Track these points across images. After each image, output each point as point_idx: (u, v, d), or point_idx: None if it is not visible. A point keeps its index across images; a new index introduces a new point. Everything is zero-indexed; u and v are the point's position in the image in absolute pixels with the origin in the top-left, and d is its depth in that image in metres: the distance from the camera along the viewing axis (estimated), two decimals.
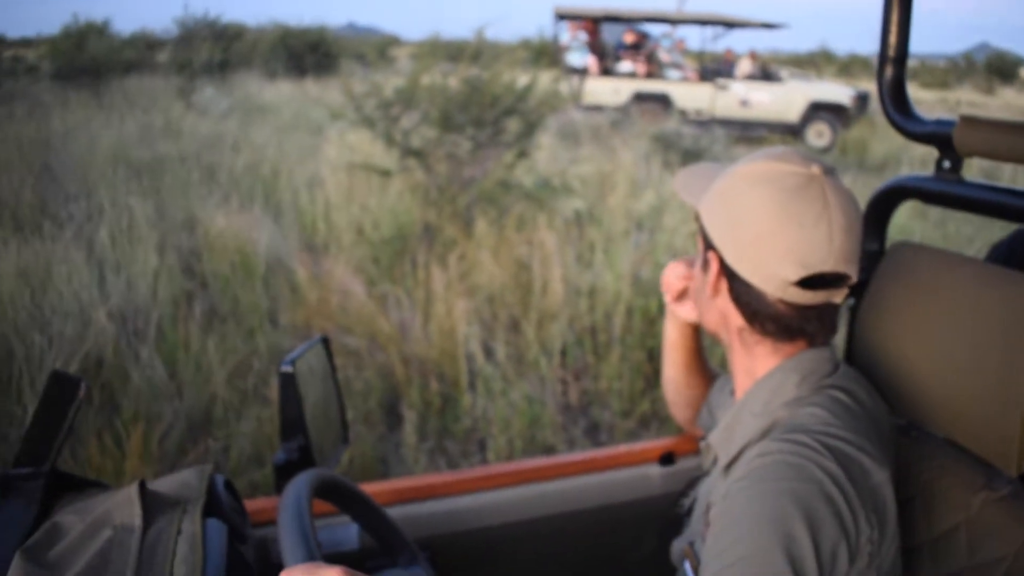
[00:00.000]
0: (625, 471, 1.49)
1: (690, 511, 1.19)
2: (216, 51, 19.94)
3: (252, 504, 1.35)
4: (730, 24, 14.16)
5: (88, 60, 16.68)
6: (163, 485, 1.05)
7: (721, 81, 13.40)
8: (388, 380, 4.02)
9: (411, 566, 1.19)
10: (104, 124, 10.86)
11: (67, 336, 4.14)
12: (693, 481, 1.21)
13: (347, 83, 6.54)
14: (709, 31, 14.39)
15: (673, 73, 13.89)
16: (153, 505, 0.98)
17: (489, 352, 4.09)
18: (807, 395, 1.01)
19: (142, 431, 3.28)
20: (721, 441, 1.08)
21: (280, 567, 1.21)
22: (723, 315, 1.08)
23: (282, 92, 15.43)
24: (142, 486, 0.99)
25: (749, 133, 12.98)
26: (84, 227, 6.05)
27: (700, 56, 14.85)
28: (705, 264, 1.08)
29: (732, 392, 1.27)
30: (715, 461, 1.11)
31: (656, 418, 3.79)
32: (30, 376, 3.77)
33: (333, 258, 5.44)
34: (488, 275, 4.81)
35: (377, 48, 22.55)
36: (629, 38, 14.30)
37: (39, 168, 8.03)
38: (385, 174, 6.18)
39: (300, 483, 0.94)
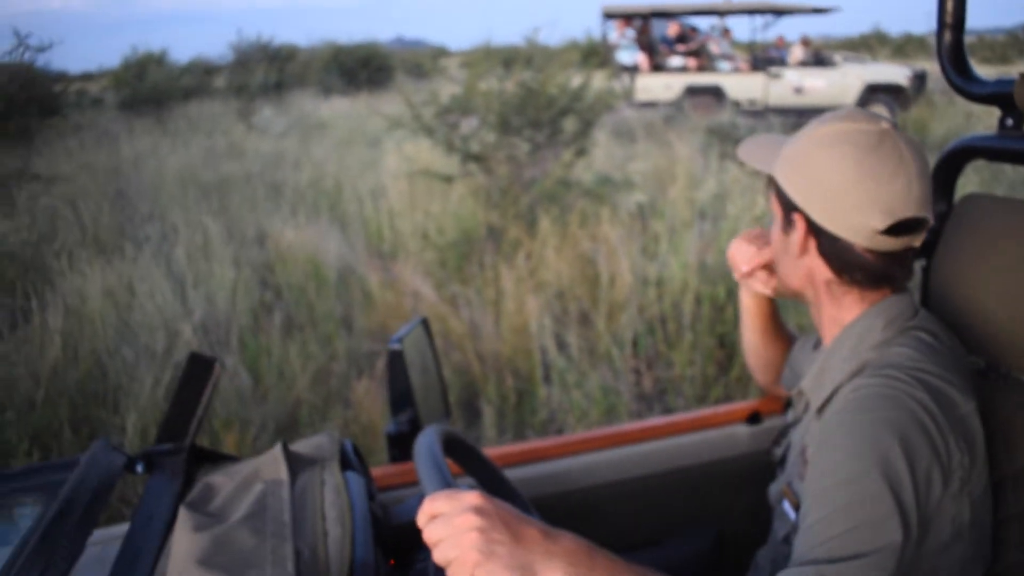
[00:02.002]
0: (715, 431, 1.56)
1: (784, 458, 1.25)
2: (271, 73, 20.38)
3: (372, 471, 1.45)
4: (779, 11, 14.04)
5: (149, 89, 17.18)
6: (300, 447, 1.15)
7: (774, 70, 13.29)
8: (464, 377, 4.12)
9: None
10: (170, 149, 11.21)
11: (155, 350, 4.32)
12: (784, 430, 1.27)
13: (406, 94, 6.69)
14: (759, 20, 14.26)
15: (724, 65, 13.81)
16: (295, 462, 1.08)
17: (561, 345, 4.16)
18: (893, 337, 1.08)
19: (236, 434, 3.43)
20: (813, 387, 1.14)
21: (399, 529, 1.31)
22: (809, 272, 1.14)
23: (337, 108, 15.72)
24: (285, 446, 1.09)
25: (805, 120, 12.82)
26: (161, 246, 6.29)
27: (751, 46, 14.73)
28: (788, 226, 1.14)
29: (816, 347, 1.33)
30: (807, 407, 1.18)
31: (730, 402, 3.82)
32: (125, 388, 3.95)
33: (401, 263, 5.57)
34: (555, 271, 4.89)
35: (428, 59, 22.79)
36: (673, 31, 14.25)
37: (114, 193, 8.34)
38: (447, 180, 6.31)
39: (430, 432, 1.03)
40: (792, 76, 13.16)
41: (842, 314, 1.14)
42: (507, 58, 9.01)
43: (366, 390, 3.89)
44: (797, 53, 13.65)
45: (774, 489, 1.25)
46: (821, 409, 1.10)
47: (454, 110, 6.55)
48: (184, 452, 1.29)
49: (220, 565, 0.84)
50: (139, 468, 1.28)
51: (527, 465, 1.51)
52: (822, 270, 1.12)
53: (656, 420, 1.56)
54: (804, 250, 1.12)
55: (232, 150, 11.26)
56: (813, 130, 1.11)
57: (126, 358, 4.23)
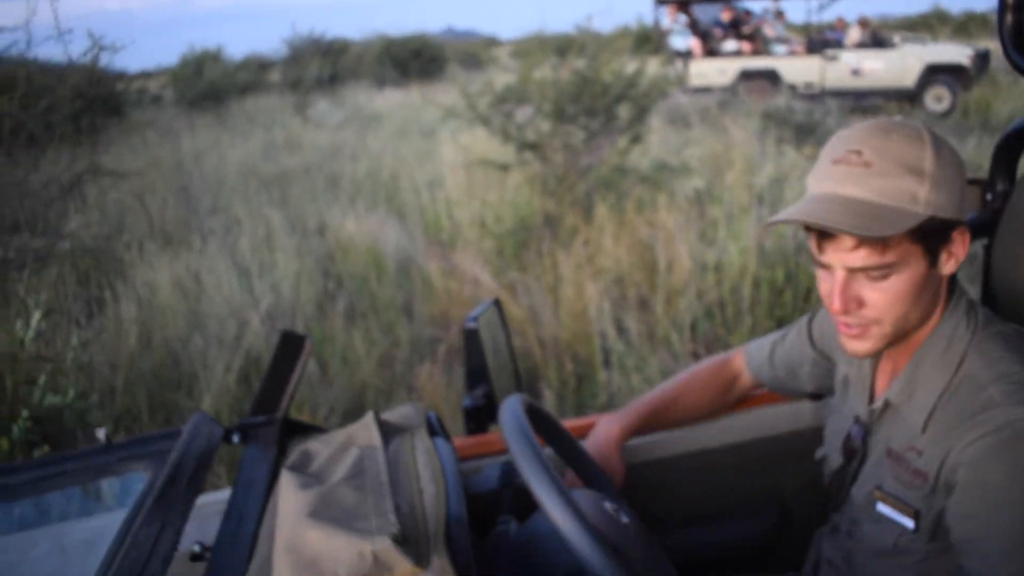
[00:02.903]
0: (779, 406, 1.60)
1: (863, 455, 1.23)
2: (325, 66, 20.65)
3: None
4: None
5: (207, 86, 17.55)
6: (388, 416, 1.23)
7: (830, 52, 13.09)
8: (525, 362, 4.19)
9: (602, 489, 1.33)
10: (230, 143, 11.46)
11: (224, 338, 4.47)
12: (847, 427, 1.27)
13: (460, 83, 6.77)
14: (814, 2, 14.06)
15: (779, 48, 13.65)
16: (386, 430, 1.15)
17: (620, 330, 4.21)
18: (978, 335, 1.10)
19: (307, 416, 3.54)
20: (903, 397, 1.14)
21: (477, 497, 1.38)
22: (938, 289, 1.10)
23: (391, 100, 15.88)
24: (376, 415, 1.17)
25: (863, 103, 12.63)
26: (226, 238, 6.46)
27: (806, 28, 14.52)
28: (936, 254, 1.06)
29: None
30: (885, 406, 1.18)
31: None
32: (197, 374, 4.10)
33: (459, 252, 5.65)
34: (613, 257, 4.93)
35: (480, 49, 22.86)
36: (726, 15, 14.12)
37: (178, 188, 8.57)
38: (503, 168, 6.37)
39: (514, 401, 1.09)
40: (849, 58, 12.95)
41: (931, 319, 1.12)
42: (560, 46, 9.05)
43: (429, 375, 3.98)
44: (854, 34, 13.42)
45: (859, 492, 1.22)
46: (927, 422, 1.09)
47: (509, 99, 6.61)
48: (277, 424, 1.37)
49: (329, 517, 0.91)
50: (235, 438, 1.37)
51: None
52: (946, 277, 1.10)
53: None
54: (958, 261, 1.08)
55: (290, 143, 11.47)
56: (895, 150, 1.01)
57: (197, 346, 4.38)
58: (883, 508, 1.16)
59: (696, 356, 4.07)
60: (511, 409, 1.06)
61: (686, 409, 1.55)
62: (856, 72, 12.88)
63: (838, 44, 13.43)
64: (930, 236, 1.02)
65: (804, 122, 9.39)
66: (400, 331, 4.65)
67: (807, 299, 4.22)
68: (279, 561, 0.88)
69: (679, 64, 13.35)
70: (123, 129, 12.46)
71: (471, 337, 1.50)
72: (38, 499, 1.29)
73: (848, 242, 1.01)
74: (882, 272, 1.02)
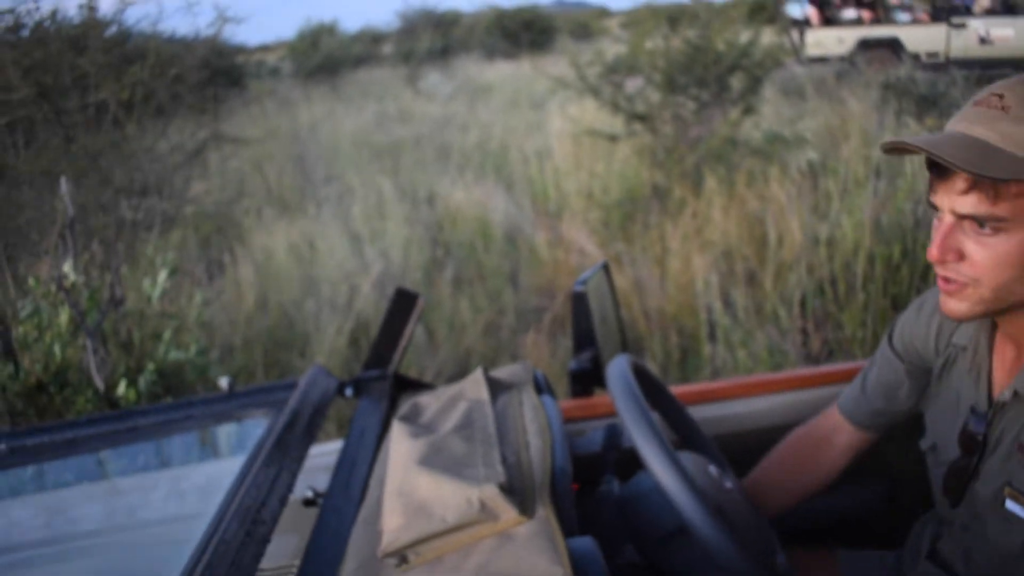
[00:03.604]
0: None
1: (983, 445, 1.15)
2: (436, 38, 20.86)
3: None
4: None
5: (322, 58, 17.99)
6: (497, 373, 1.26)
7: (957, 19, 12.45)
8: (629, 333, 4.17)
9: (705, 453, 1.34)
10: (344, 114, 11.73)
11: (336, 302, 4.61)
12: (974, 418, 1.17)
13: (571, 54, 6.74)
14: None
15: (902, 15, 13.06)
16: (495, 386, 1.18)
17: (727, 304, 4.15)
18: None
19: None
20: None
21: (582, 458, 1.40)
22: None
23: (501, 71, 15.93)
24: (485, 371, 1.20)
25: (991, 72, 11.98)
26: (339, 206, 6.64)
27: None
28: None
29: (924, 310, 1.29)
30: (1013, 397, 1.10)
31: None
32: (310, 336, 4.24)
33: (566, 223, 5.66)
34: (721, 231, 4.85)
35: (591, 20, 22.67)
36: None
37: (294, 156, 8.85)
38: (612, 139, 6.33)
39: (622, 360, 1.10)
40: (977, 25, 12.28)
41: None
42: (671, 15, 8.89)
43: (533, 343, 4.02)
44: (984, 1, 12.73)
45: (985, 489, 1.14)
46: None
47: (619, 70, 6.55)
48: (389, 379, 1.42)
49: (438, 464, 0.95)
50: (348, 392, 1.43)
51: (702, 405, 1.56)
52: None
53: (834, 366, 1.58)
54: None
55: (402, 114, 11.66)
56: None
57: (310, 309, 4.53)
58: (1013, 506, 1.08)
59: (805, 333, 3.98)
60: (619, 368, 1.07)
61: (786, 486, 1.43)
62: (984, 40, 12.22)
63: (966, 10, 12.76)
64: None
65: (927, 94, 8.97)
66: (506, 299, 4.70)
67: (924, 277, 4.07)
68: (389, 504, 0.92)
69: (795, 34, 12.93)
70: (243, 100, 12.89)
71: (579, 300, 1.51)
72: (162, 442, 1.38)
73: (960, 183, 0.95)
74: (991, 225, 0.95)
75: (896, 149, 0.99)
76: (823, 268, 4.26)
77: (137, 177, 4.02)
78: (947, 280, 1.02)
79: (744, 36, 6.48)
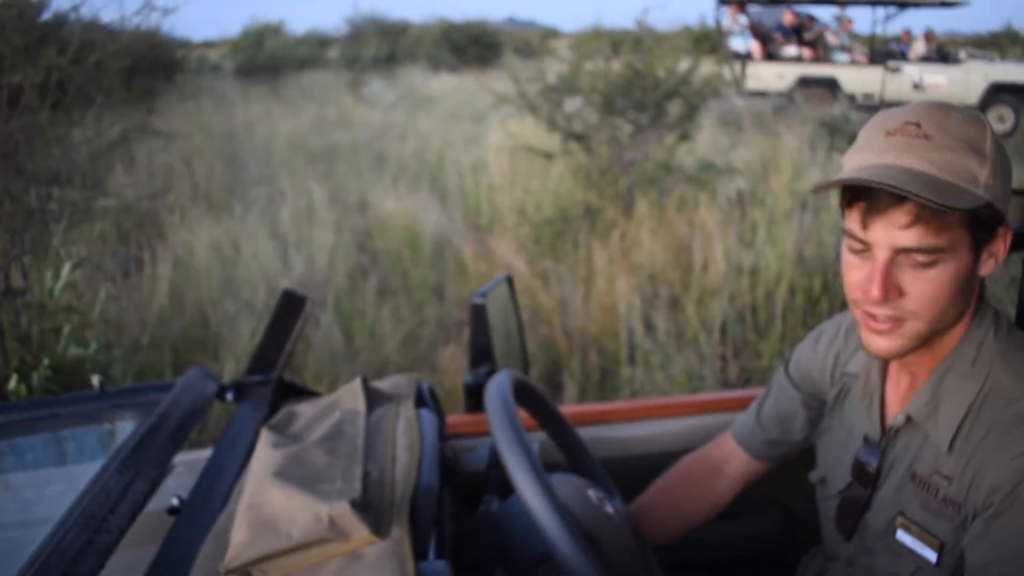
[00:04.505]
0: None
1: (876, 477, 1.13)
2: (383, 46, 20.76)
3: (448, 418, 1.49)
4: (904, 3, 13.52)
5: (266, 58, 17.75)
6: (380, 384, 1.20)
7: (893, 63, 12.82)
8: (550, 352, 4.16)
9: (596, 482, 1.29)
10: (282, 116, 11.55)
11: (255, 304, 4.49)
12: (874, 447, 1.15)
13: (512, 69, 6.73)
14: (880, 12, 13.75)
15: (841, 56, 13.40)
16: (373, 396, 1.13)
17: (649, 327, 4.15)
18: (1005, 345, 1.02)
19: (326, 388, 3.55)
20: (925, 412, 1.04)
21: (469, 475, 1.35)
22: (971, 290, 1.00)
23: (445, 84, 15.89)
24: (365, 380, 1.14)
25: None
26: (268, 208, 6.50)
27: (871, 39, 14.24)
28: (982, 249, 0.97)
29: (820, 341, 1.28)
30: (905, 423, 1.08)
31: None
32: (225, 338, 4.12)
33: (496, 237, 5.63)
34: (648, 254, 4.87)
35: (537, 39, 22.80)
36: (788, 19, 13.87)
37: (226, 155, 8.66)
38: (547, 157, 6.33)
39: (503, 377, 1.05)
40: (912, 71, 12.67)
41: (960, 324, 1.03)
42: (616, 40, 8.96)
43: (452, 356, 3.96)
44: (919, 48, 13.13)
45: (876, 520, 1.12)
46: (952, 441, 1.01)
47: (559, 89, 6.56)
48: (272, 384, 1.36)
49: (294, 478, 0.89)
50: (229, 396, 1.36)
51: (594, 426, 1.53)
52: (979, 280, 1.01)
53: (729, 393, 1.56)
54: (996, 263, 0.99)
55: (341, 120, 11.53)
56: (956, 128, 0.94)
57: (228, 310, 4.41)
58: (904, 537, 1.06)
59: (724, 359, 4.00)
60: (498, 384, 1.02)
61: (674, 513, 1.39)
62: (918, 86, 12.60)
63: (902, 56, 13.15)
64: (981, 226, 0.94)
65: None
66: (429, 311, 4.64)
67: (843, 310, 4.12)
68: (239, 517, 0.86)
69: (737, 66, 13.17)
70: (180, 95, 12.60)
71: (478, 313, 1.46)
72: (23, 440, 1.29)
73: (902, 218, 0.91)
74: (931, 258, 0.93)
75: (825, 187, 0.95)
76: (745, 296, 4.30)
77: (49, 165, 3.85)
78: (877, 319, 0.98)
79: (684, 64, 6.55)
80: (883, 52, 13.45)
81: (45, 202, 3.94)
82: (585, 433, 1.43)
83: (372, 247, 5.78)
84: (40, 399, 1.30)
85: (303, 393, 1.38)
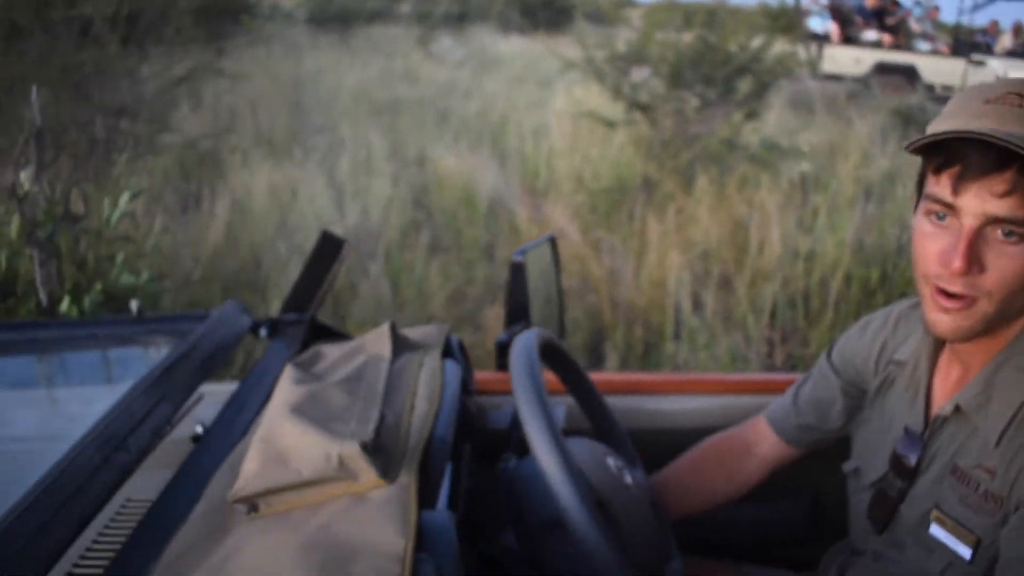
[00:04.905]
0: None
1: (915, 469, 1.09)
2: (455, 3, 20.62)
3: (476, 374, 1.48)
4: None
5: (338, 8, 17.79)
6: (409, 332, 1.20)
7: (976, 56, 12.38)
8: (595, 321, 4.13)
9: (620, 448, 1.27)
10: (349, 67, 11.57)
11: (307, 249, 4.52)
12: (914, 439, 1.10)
13: (582, 35, 6.64)
14: (968, 0, 13.27)
15: (923, 45, 12.98)
16: (400, 343, 1.12)
17: (697, 305, 4.10)
18: None
19: None
20: (976, 404, 1.00)
21: (492, 432, 1.34)
22: None
23: (514, 46, 15.76)
24: (393, 326, 1.14)
25: None
26: (328, 156, 6.54)
27: (955, 28, 13.76)
28: None
29: (868, 329, 1.24)
30: (954, 413, 1.04)
31: None
32: (274, 280, 4.17)
33: (552, 203, 5.59)
34: (704, 231, 4.79)
35: (610, 6, 22.48)
36: (871, 2, 13.45)
37: (292, 102, 8.71)
38: (610, 125, 6.25)
39: (530, 335, 1.04)
40: (996, 65, 12.22)
41: (1021, 318, 0.98)
42: (690, 11, 8.79)
43: (497, 316, 3.96)
44: (1006, 41, 12.67)
45: (912, 513, 1.08)
46: (1002, 436, 0.97)
47: (628, 57, 6.46)
48: (305, 323, 1.36)
49: (310, 415, 0.88)
50: (263, 332, 1.36)
51: (625, 395, 1.50)
52: None
53: (767, 375, 1.52)
54: None
55: (408, 75, 11.51)
56: None
57: (280, 253, 4.45)
58: (938, 532, 1.02)
59: (770, 343, 3.94)
60: (525, 341, 1.01)
61: (697, 489, 1.36)
62: None
63: (987, 49, 12.70)
64: None
65: None
66: (478, 271, 4.63)
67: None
68: (252, 449, 0.86)
69: (813, 47, 12.84)
70: (250, 40, 12.69)
71: (517, 271, 1.43)
72: (60, 357, 1.31)
73: (999, 185, 0.86)
74: (1020, 232, 0.87)
75: (926, 141, 0.90)
76: (799, 282, 4.21)
77: (117, 98, 3.92)
78: (949, 296, 0.93)
79: (758, 41, 6.40)
80: (967, 43, 13.00)
81: (110, 133, 4.01)
82: (614, 402, 1.41)
83: (428, 203, 5.78)
84: (79, 319, 1.32)
85: (335, 335, 1.37)
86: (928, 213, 0.94)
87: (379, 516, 0.76)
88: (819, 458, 1.41)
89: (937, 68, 12.53)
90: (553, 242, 1.59)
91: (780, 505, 1.55)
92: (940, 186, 0.91)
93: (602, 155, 6.36)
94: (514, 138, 7.39)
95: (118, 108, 3.93)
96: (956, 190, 0.89)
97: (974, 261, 0.89)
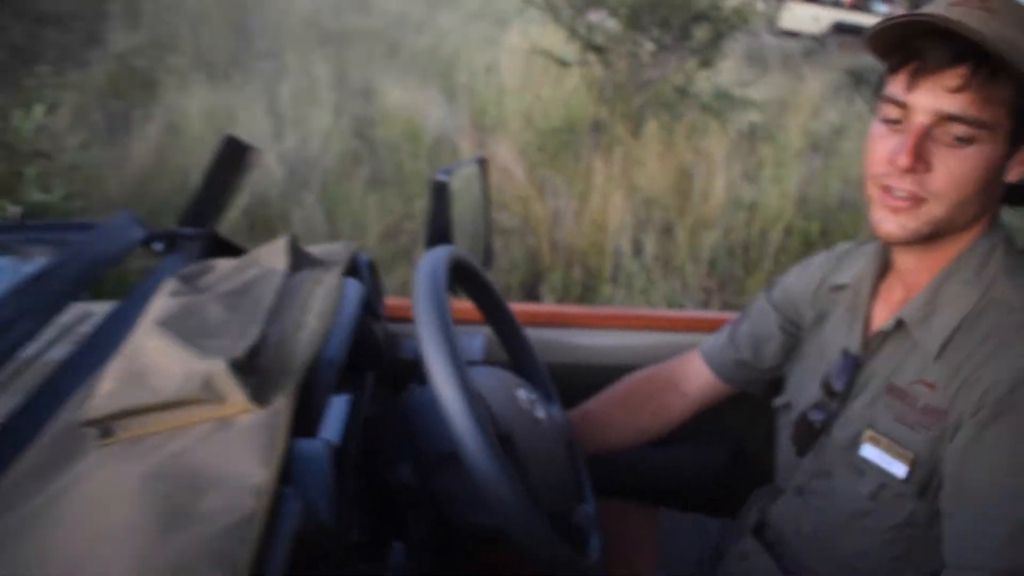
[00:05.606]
0: None
1: (847, 389, 1.05)
2: None
3: (389, 300, 1.39)
4: None
5: None
6: (314, 249, 1.09)
7: None
8: (534, 262, 4.06)
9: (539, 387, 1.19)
10: None
11: None
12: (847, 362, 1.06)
13: None
14: None
15: (881, 6, 12.99)
16: (299, 259, 1.02)
17: (638, 250, 4.04)
18: (1014, 261, 0.95)
19: None
20: (919, 316, 0.97)
21: (402, 363, 1.25)
22: (991, 189, 0.92)
23: None
24: (293, 240, 1.03)
25: None
26: (270, 83, 6.30)
27: None
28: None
29: (808, 269, 1.20)
30: (896, 328, 1.00)
31: None
32: None
33: (499, 140, 5.46)
34: (649, 177, 4.72)
35: None
36: None
37: (236, 25, 8.37)
38: (563, 65, 6.11)
39: (439, 254, 0.95)
40: None
41: (969, 234, 0.96)
42: None
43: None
44: None
45: (843, 433, 1.04)
46: (943, 348, 0.94)
47: None
48: (204, 238, 1.25)
49: (179, 328, 0.79)
50: (157, 246, 1.25)
51: (549, 328, 1.43)
52: (1003, 186, 0.93)
53: (696, 313, 1.46)
54: (1021, 174, 0.92)
55: (360, 4, 11.17)
56: (1021, 11, 0.88)
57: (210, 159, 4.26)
58: (869, 452, 0.99)
59: (707, 292, 3.90)
60: (432, 258, 0.91)
61: (621, 425, 1.30)
62: None
63: None
64: (1022, 117, 0.87)
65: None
66: (417, 205, 4.51)
67: None
68: (111, 366, 0.76)
69: (773, 1, 12.75)
70: None
71: (439, 190, 1.32)
72: None
73: (952, 80, 0.84)
74: (970, 132, 0.85)
75: (886, 25, 0.87)
76: (740, 232, 4.18)
77: (41, 2, 3.68)
78: (895, 195, 0.90)
79: None
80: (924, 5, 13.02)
81: (32, 41, 3.78)
82: (536, 335, 1.33)
83: (371, 136, 5.61)
84: None
85: (239, 252, 1.26)
86: (882, 117, 0.92)
87: (242, 443, 0.67)
88: (743, 403, 1.35)
89: None
90: (483, 164, 1.49)
91: (702, 450, 1.50)
92: (895, 84, 0.89)
93: (553, 95, 6.23)
94: (465, 74, 7.21)
95: (41, 14, 3.69)
96: (910, 86, 0.87)
97: (921, 159, 0.87)
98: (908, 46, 0.88)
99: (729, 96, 5.91)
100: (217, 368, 0.71)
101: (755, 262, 3.98)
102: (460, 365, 0.79)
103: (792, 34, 12.27)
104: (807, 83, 8.04)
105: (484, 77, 6.89)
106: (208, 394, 0.71)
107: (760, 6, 11.23)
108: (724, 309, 3.86)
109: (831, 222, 4.08)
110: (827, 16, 12.77)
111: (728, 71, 7.68)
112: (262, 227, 3.90)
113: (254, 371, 0.74)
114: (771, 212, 4.17)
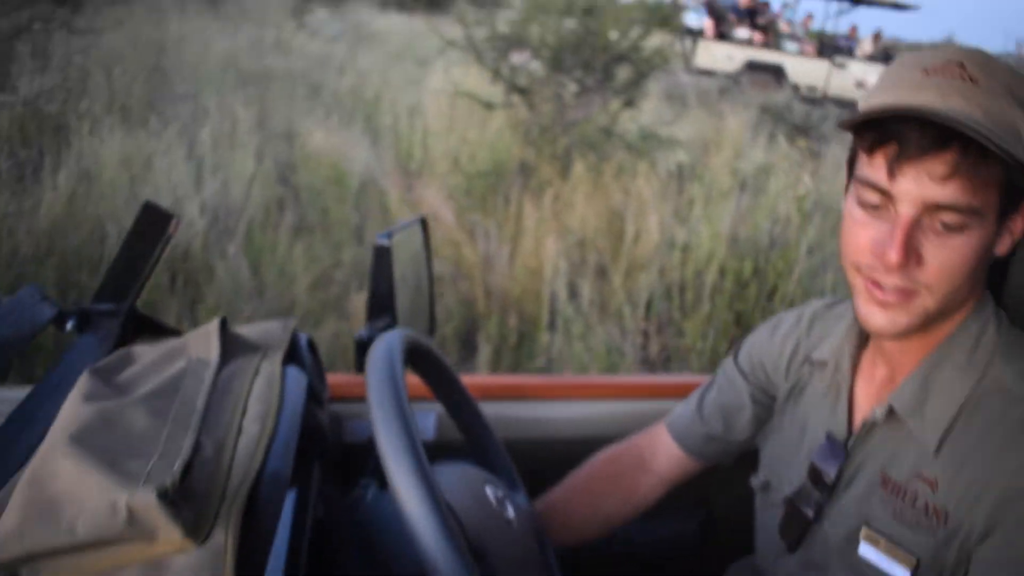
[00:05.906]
0: None
1: (836, 481, 0.97)
2: None
3: (331, 377, 1.28)
4: (857, 0, 13.55)
5: None
6: (245, 331, 0.98)
7: (839, 59, 12.86)
8: (468, 309, 3.97)
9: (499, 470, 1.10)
10: (218, 33, 10.97)
11: None
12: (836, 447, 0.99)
13: (462, 12, 6.46)
14: (834, 6, 13.79)
15: (790, 45, 13.40)
16: (232, 345, 0.91)
17: (573, 294, 3.99)
18: (1007, 339, 0.89)
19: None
20: (912, 406, 0.89)
21: (350, 447, 1.14)
22: (980, 271, 0.85)
23: (393, 22, 15.42)
24: (223, 323, 0.92)
25: None
26: (188, 127, 6.11)
27: (820, 33, 14.27)
28: (1009, 215, 0.84)
29: (777, 332, 1.13)
30: (887, 416, 0.93)
31: None
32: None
33: (426, 184, 5.38)
34: (580, 219, 4.69)
35: None
36: (744, 2, 13.81)
37: (152, 67, 8.15)
38: (488, 107, 6.09)
39: (393, 337, 0.85)
40: (857, 69, 12.74)
41: (959, 314, 0.89)
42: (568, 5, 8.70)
43: (364, 303, 3.74)
44: (866, 47, 13.22)
45: (835, 530, 0.96)
46: (942, 442, 0.86)
47: (509, 39, 6.31)
48: (122, 315, 1.12)
49: (96, 445, 0.67)
50: (69, 325, 1.12)
51: (504, 401, 1.34)
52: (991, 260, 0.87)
53: (662, 377, 1.39)
54: (1013, 241, 0.86)
55: (279, 46, 11.03)
56: (1002, 75, 0.79)
57: (128, 228, 4.08)
58: (868, 552, 0.91)
59: (646, 335, 3.86)
60: (386, 346, 0.82)
61: (589, 513, 1.21)
62: (861, 84, 12.70)
63: (849, 52, 13.22)
64: (1012, 192, 0.80)
65: (800, 123, 9.20)
66: (346, 253, 4.39)
67: (771, 297, 4.03)
68: (17, 493, 0.65)
69: (688, 42, 13.05)
70: None
71: (381, 256, 1.23)
72: None
73: (940, 167, 0.76)
74: (961, 221, 0.78)
75: (865, 118, 0.79)
76: (674, 273, 4.16)
77: None
78: (885, 290, 0.83)
79: (637, 31, 6.36)
80: (831, 46, 13.49)
81: None
82: (492, 408, 1.24)
83: (295, 180, 5.48)
84: None
85: (161, 331, 1.14)
86: (860, 200, 0.83)
87: None
88: (710, 471, 1.28)
89: (803, 69, 12.97)
90: (424, 224, 1.40)
91: (670, 522, 1.42)
92: (874, 168, 0.81)
93: (479, 137, 6.19)
94: (388, 116, 7.13)
95: None
96: (892, 172, 0.79)
97: (911, 253, 0.80)
98: (884, 125, 0.79)
99: (655, 136, 5.95)
100: (145, 499, 0.59)
101: (691, 303, 3.96)
102: (429, 476, 0.69)
103: (707, 72, 12.56)
104: (727, 120, 8.20)
105: (408, 119, 6.81)
106: (134, 531, 0.59)
107: (677, 47, 11.52)
108: (662, 352, 3.82)
109: (762, 261, 4.09)
110: (740, 54, 13.12)
111: (650, 110, 7.78)
112: (184, 282, 3.73)
113: (188, 498, 0.63)
114: (704, 252, 4.16)
